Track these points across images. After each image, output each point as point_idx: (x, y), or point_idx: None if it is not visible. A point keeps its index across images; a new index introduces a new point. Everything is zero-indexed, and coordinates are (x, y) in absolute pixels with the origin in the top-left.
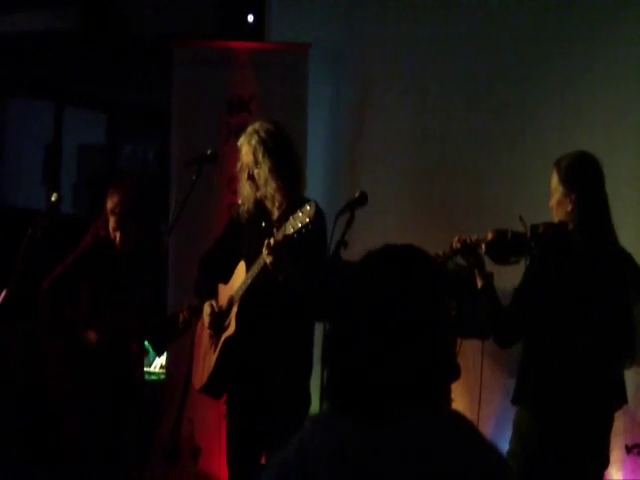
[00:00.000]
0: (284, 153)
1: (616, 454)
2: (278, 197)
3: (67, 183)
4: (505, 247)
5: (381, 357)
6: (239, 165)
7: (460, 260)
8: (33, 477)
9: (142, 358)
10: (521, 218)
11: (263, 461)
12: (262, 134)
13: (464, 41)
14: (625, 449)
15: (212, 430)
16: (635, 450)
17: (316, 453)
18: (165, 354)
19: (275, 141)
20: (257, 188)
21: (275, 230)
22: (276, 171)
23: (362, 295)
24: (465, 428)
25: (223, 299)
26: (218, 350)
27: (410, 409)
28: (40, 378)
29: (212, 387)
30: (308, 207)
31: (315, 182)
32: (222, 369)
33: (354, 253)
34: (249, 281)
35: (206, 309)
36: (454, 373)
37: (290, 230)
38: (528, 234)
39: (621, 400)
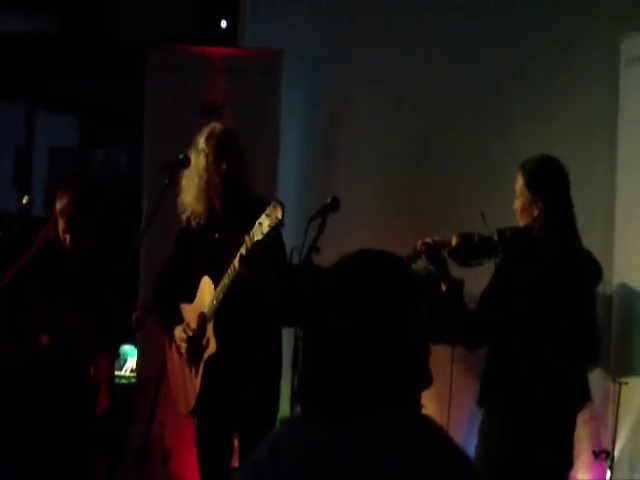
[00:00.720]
0: (235, 155)
1: (584, 459)
2: (232, 196)
3: (39, 186)
4: (470, 250)
5: (353, 363)
6: (188, 172)
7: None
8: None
9: (103, 356)
10: (482, 215)
11: (234, 464)
12: (221, 131)
13: (438, 41)
14: (593, 454)
15: (183, 433)
16: (602, 455)
17: (287, 457)
18: (136, 357)
19: (227, 143)
20: (211, 189)
21: (226, 242)
22: (231, 173)
23: (335, 300)
24: (436, 434)
25: (192, 318)
26: (201, 371)
27: (381, 414)
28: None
29: (201, 408)
30: (273, 207)
31: (287, 187)
32: (208, 388)
33: (326, 258)
34: (221, 296)
35: (180, 335)
36: (426, 380)
37: (259, 236)
38: (495, 238)
39: (584, 399)
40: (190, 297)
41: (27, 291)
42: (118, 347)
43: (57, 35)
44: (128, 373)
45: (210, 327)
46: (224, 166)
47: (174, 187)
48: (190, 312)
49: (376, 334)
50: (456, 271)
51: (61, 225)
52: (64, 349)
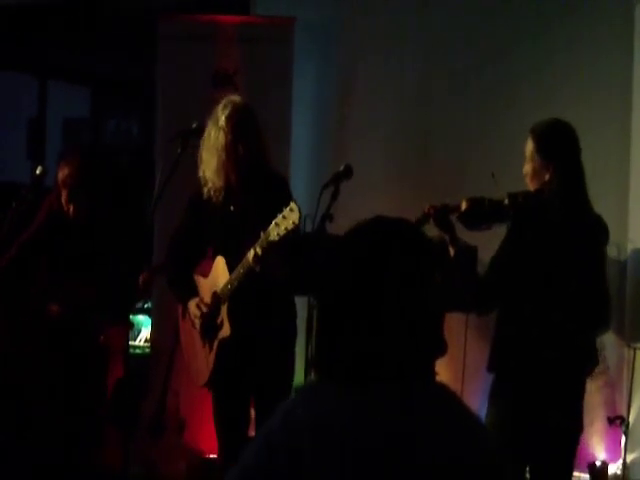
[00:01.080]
0: (258, 128)
1: (598, 426)
2: (250, 172)
3: (52, 157)
4: (480, 215)
5: (369, 330)
6: (209, 141)
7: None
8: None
9: (116, 328)
10: (493, 175)
11: (250, 434)
12: (240, 107)
13: (450, 7)
14: (607, 420)
15: (197, 403)
16: (617, 422)
17: (300, 425)
18: (150, 327)
19: (246, 123)
20: (229, 165)
21: (240, 216)
22: (255, 144)
23: (352, 267)
24: (450, 400)
25: (206, 293)
26: (215, 351)
27: (396, 381)
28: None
29: (215, 383)
30: (290, 210)
31: (300, 156)
32: (222, 366)
33: (339, 226)
34: (235, 283)
35: (194, 311)
36: (441, 348)
37: (275, 237)
38: (506, 202)
39: (593, 363)
40: (202, 268)
41: (33, 262)
42: (127, 316)
43: (68, 5)
44: (142, 343)
45: (224, 309)
46: (241, 148)
47: (187, 155)
48: (204, 287)
49: (392, 301)
50: (466, 236)
51: (64, 195)
52: (72, 318)
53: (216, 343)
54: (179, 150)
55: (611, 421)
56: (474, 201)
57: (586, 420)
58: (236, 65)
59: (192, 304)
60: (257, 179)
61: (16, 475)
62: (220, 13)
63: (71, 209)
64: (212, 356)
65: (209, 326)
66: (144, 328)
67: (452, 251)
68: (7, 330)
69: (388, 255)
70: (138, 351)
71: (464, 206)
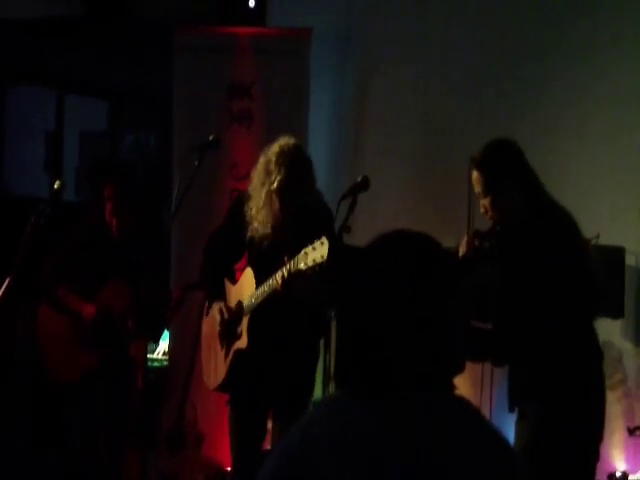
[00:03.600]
0: (309, 171)
1: (618, 437)
2: (296, 213)
3: (69, 170)
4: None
5: (391, 344)
6: (258, 181)
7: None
8: (36, 462)
9: (140, 338)
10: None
11: (265, 447)
12: (291, 153)
13: (468, 14)
14: (627, 431)
15: (216, 416)
16: (637, 432)
17: (320, 437)
18: (168, 340)
19: (303, 160)
20: (280, 208)
21: (280, 249)
22: (302, 190)
23: (377, 281)
24: (471, 413)
25: (232, 300)
26: (230, 359)
27: (416, 394)
28: (41, 363)
29: (225, 389)
30: (321, 243)
31: (318, 167)
32: (235, 375)
33: (357, 238)
34: (260, 300)
35: (216, 316)
36: (459, 365)
37: (302, 266)
38: (486, 244)
39: (601, 358)
40: (233, 276)
41: (74, 274)
42: (161, 333)
43: (85, 18)
44: (160, 356)
45: (245, 322)
46: (288, 195)
47: (204, 169)
48: (231, 293)
49: (417, 315)
50: None
51: (109, 210)
52: (106, 323)
53: (232, 352)
54: (196, 163)
55: (631, 432)
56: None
57: (606, 431)
58: (252, 77)
59: (216, 307)
60: (301, 215)
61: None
62: (237, 25)
63: (115, 223)
64: (227, 363)
65: (228, 332)
66: (162, 341)
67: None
68: (44, 332)
69: (414, 269)
70: (156, 364)
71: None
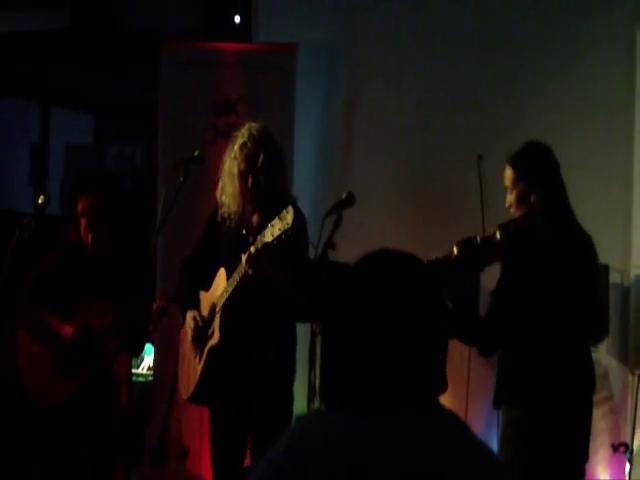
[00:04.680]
0: (275, 155)
1: (602, 453)
2: (263, 199)
3: (54, 183)
4: (475, 256)
5: (376, 361)
6: (225, 167)
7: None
8: (23, 475)
9: (122, 355)
10: (479, 158)
11: (246, 463)
12: (255, 136)
13: (453, 38)
14: (611, 448)
15: (200, 430)
16: (621, 449)
17: (308, 453)
18: (153, 355)
19: (267, 143)
20: (246, 190)
21: (252, 239)
22: (268, 173)
23: (363, 299)
24: (460, 428)
25: (205, 307)
26: (203, 360)
27: (405, 409)
28: (22, 386)
29: (199, 396)
30: (286, 212)
31: (303, 183)
32: (208, 378)
33: (342, 254)
34: (230, 289)
35: (189, 322)
36: (442, 385)
37: (269, 238)
38: (498, 235)
39: (594, 385)
40: (209, 285)
41: (52, 293)
42: (143, 347)
43: (70, 32)
44: (145, 371)
45: (217, 318)
46: (251, 180)
47: (189, 183)
48: (205, 300)
49: (404, 332)
50: None
51: (83, 226)
52: (86, 342)
53: (205, 352)
54: (181, 179)
55: (615, 448)
56: (465, 243)
57: (590, 447)
58: (238, 92)
59: (189, 315)
60: (270, 206)
61: None
62: (223, 40)
63: (90, 239)
64: (200, 367)
65: (202, 337)
66: (147, 356)
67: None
68: (23, 356)
69: (398, 287)
70: (141, 379)
71: (455, 251)
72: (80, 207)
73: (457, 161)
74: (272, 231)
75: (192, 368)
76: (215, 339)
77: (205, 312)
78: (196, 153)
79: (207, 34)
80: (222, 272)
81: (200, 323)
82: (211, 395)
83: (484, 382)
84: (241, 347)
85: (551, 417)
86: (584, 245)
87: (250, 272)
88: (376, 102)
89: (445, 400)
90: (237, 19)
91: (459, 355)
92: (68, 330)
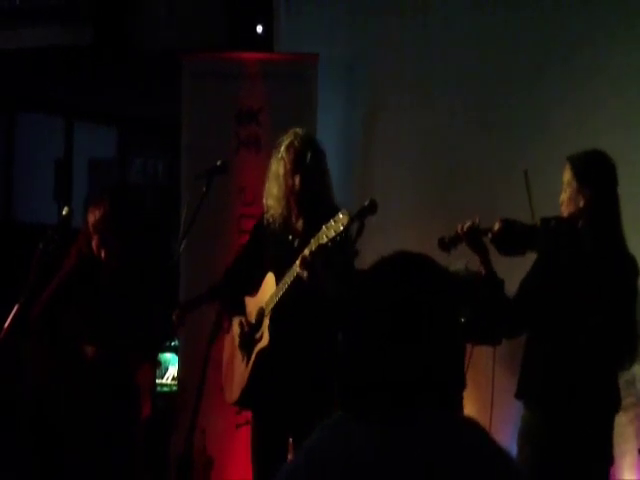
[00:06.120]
0: (321, 157)
1: (630, 458)
2: (309, 203)
3: (78, 197)
4: (512, 238)
5: (393, 365)
6: (271, 170)
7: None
8: None
9: (145, 365)
10: (526, 174)
11: None
12: (302, 137)
13: (476, 38)
14: (638, 453)
15: (224, 441)
16: None
17: (329, 461)
18: (177, 365)
19: (314, 143)
20: (292, 192)
21: (298, 244)
22: (315, 173)
23: (379, 305)
24: (478, 435)
25: (252, 312)
26: (252, 363)
27: (422, 415)
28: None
29: (246, 399)
30: (341, 215)
31: None
32: (256, 381)
33: (366, 261)
34: (281, 293)
35: (236, 328)
36: (461, 384)
37: (324, 239)
38: (539, 225)
39: (618, 403)
40: (255, 291)
41: (67, 307)
42: (157, 356)
43: (92, 47)
44: (169, 381)
45: (266, 321)
46: (298, 179)
47: (212, 194)
48: (251, 305)
49: (421, 337)
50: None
51: (95, 240)
52: (108, 358)
53: (254, 355)
54: (204, 189)
55: None
56: (507, 222)
57: (618, 452)
58: (261, 102)
59: (236, 321)
60: (317, 212)
61: None
62: (244, 50)
63: (103, 253)
64: (247, 372)
65: (249, 342)
66: (171, 366)
67: (483, 271)
68: (42, 374)
69: (412, 293)
70: (165, 389)
71: (497, 227)
72: (90, 221)
73: (484, 166)
74: (327, 233)
75: (238, 373)
76: (265, 341)
77: (252, 317)
78: (219, 163)
79: (229, 45)
80: (270, 276)
81: (246, 328)
82: (258, 398)
83: (509, 384)
84: (290, 350)
85: (569, 418)
86: (626, 265)
87: (305, 275)
88: (397, 109)
89: (469, 402)
90: (259, 29)
91: (484, 357)
92: (89, 350)
